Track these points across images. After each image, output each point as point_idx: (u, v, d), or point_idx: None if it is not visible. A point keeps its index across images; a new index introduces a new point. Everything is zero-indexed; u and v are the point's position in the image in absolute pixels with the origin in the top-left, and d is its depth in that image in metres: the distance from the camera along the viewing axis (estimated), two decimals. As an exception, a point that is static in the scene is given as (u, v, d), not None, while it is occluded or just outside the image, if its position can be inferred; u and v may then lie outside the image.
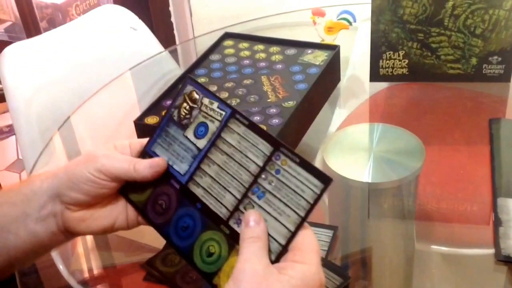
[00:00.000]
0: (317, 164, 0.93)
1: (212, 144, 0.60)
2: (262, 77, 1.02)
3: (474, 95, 1.10)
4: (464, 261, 0.80)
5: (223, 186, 0.58)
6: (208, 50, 1.11)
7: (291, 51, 1.08)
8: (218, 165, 0.59)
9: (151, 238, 0.82)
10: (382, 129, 0.94)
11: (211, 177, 0.59)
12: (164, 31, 1.81)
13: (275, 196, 0.55)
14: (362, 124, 1.00)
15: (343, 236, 0.82)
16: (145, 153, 0.63)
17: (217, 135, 0.60)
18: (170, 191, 0.60)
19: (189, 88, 0.63)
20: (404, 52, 1.06)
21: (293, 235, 0.53)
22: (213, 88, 1.00)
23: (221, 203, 0.57)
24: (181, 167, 0.60)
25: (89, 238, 0.88)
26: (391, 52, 1.07)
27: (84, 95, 1.18)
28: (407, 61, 1.07)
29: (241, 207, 0.56)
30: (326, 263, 0.73)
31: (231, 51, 1.10)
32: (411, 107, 1.09)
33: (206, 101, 0.61)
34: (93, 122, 1.17)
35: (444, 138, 0.99)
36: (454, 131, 1.00)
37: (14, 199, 0.63)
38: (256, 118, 0.91)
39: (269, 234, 0.54)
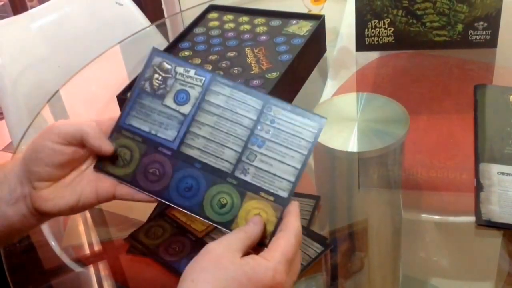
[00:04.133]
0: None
1: (198, 108, 0.62)
2: (246, 49, 1.01)
3: (461, 63, 1.09)
4: (454, 228, 0.80)
5: (219, 144, 0.61)
6: (192, 23, 1.10)
7: (276, 22, 1.07)
8: (210, 126, 0.62)
9: (139, 213, 0.83)
10: (366, 99, 0.94)
11: (205, 137, 0.62)
12: (152, 5, 1.80)
13: (275, 142, 0.60)
14: (347, 94, 0.99)
15: (329, 207, 0.83)
16: (120, 127, 0.64)
17: (201, 99, 0.63)
18: (161, 158, 0.62)
19: (157, 59, 0.64)
20: (389, 20, 1.05)
21: (300, 172, 0.59)
22: (197, 61, 0.99)
23: (222, 159, 0.61)
24: (168, 134, 0.63)
25: (81, 215, 0.88)
26: (376, 21, 1.06)
27: (71, 73, 1.18)
28: (392, 29, 1.06)
29: (244, 158, 0.60)
30: (308, 231, 0.73)
31: (216, 23, 1.10)
32: (401, 77, 1.08)
33: (180, 69, 0.64)
34: (83, 95, 1.16)
35: (432, 106, 0.98)
36: (441, 99, 1.00)
37: None
38: (240, 90, 0.91)
39: (277, 176, 0.60)
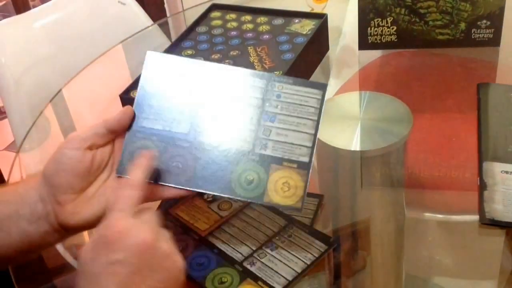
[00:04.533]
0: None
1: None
2: (249, 48, 1.01)
3: (464, 62, 1.09)
4: (457, 227, 0.80)
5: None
6: (195, 22, 1.10)
7: (278, 21, 1.07)
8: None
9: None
10: (369, 97, 0.94)
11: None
12: (155, 4, 1.80)
13: (285, 114, 0.64)
14: (350, 93, 0.99)
15: (332, 205, 0.83)
16: (134, 131, 0.65)
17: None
18: (181, 151, 0.65)
19: (153, 60, 0.67)
20: (392, 18, 1.05)
21: (315, 136, 0.64)
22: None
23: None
24: (182, 127, 0.65)
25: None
26: (379, 19, 1.06)
27: (74, 72, 1.18)
28: (395, 27, 1.06)
29: (260, 135, 0.64)
30: (311, 230, 0.73)
31: (218, 22, 1.10)
32: (403, 76, 1.08)
33: None
34: (85, 95, 1.16)
35: (435, 105, 0.98)
36: (444, 98, 1.00)
37: (9, 197, 0.63)
38: (242, 89, 0.91)
39: (295, 144, 0.64)
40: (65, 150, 0.61)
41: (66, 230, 0.63)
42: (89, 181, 0.63)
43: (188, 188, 0.64)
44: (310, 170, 0.63)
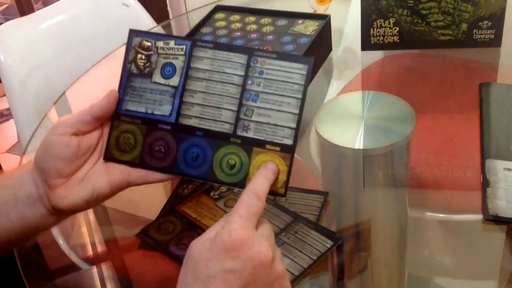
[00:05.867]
0: (311, 134, 0.94)
1: (186, 76, 0.63)
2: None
3: (465, 62, 1.10)
4: (459, 227, 0.81)
5: (215, 107, 0.62)
6: (199, 23, 1.11)
7: (282, 22, 1.08)
8: (202, 91, 0.62)
9: (146, 210, 0.84)
10: (372, 97, 0.95)
11: (199, 104, 0.62)
12: (158, 7, 1.81)
13: (268, 93, 0.60)
14: (353, 93, 1.00)
15: (336, 204, 0.83)
16: (118, 114, 0.65)
17: (187, 67, 0.63)
18: (163, 135, 0.63)
19: (136, 40, 0.65)
20: (394, 19, 1.06)
21: (299, 116, 0.59)
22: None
23: (221, 121, 0.61)
24: (163, 110, 0.63)
25: (88, 214, 0.89)
26: (382, 20, 1.07)
27: (79, 74, 1.19)
28: (397, 28, 1.07)
29: (241, 116, 0.61)
30: (316, 227, 0.74)
31: (223, 23, 1.11)
32: (405, 76, 1.09)
33: (160, 43, 0.64)
34: (89, 97, 1.17)
35: (437, 105, 0.99)
36: (446, 98, 1.00)
37: (7, 182, 0.65)
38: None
39: (278, 125, 0.60)
40: (52, 136, 0.62)
41: (59, 213, 0.64)
42: (77, 165, 0.63)
43: (169, 174, 0.62)
44: (294, 154, 0.59)
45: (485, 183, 0.77)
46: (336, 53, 1.14)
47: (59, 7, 1.35)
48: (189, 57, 0.62)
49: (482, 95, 0.94)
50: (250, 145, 0.60)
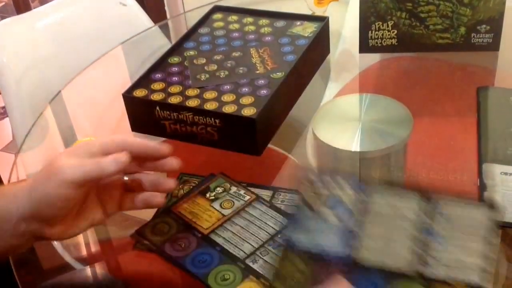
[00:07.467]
0: (308, 135, 0.93)
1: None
2: (251, 49, 1.02)
3: (463, 66, 1.10)
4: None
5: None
6: (197, 23, 1.10)
7: (280, 23, 1.08)
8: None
9: (142, 211, 0.83)
10: (370, 99, 0.95)
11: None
12: (155, 6, 1.81)
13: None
14: (351, 95, 1.00)
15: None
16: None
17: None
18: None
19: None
20: (393, 22, 1.06)
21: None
22: (202, 61, 1.00)
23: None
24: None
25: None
26: (380, 23, 1.07)
27: (75, 73, 1.18)
28: (396, 31, 1.07)
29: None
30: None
31: (220, 24, 1.10)
32: (403, 79, 1.09)
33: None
34: (84, 96, 1.17)
35: (434, 108, 0.99)
36: (444, 101, 1.00)
37: None
38: (245, 90, 0.91)
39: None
40: (56, 192, 0.60)
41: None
42: (76, 209, 0.65)
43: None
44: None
45: (482, 187, 0.77)
46: (334, 55, 1.14)
47: (55, 6, 1.35)
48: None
49: (479, 99, 0.94)
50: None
